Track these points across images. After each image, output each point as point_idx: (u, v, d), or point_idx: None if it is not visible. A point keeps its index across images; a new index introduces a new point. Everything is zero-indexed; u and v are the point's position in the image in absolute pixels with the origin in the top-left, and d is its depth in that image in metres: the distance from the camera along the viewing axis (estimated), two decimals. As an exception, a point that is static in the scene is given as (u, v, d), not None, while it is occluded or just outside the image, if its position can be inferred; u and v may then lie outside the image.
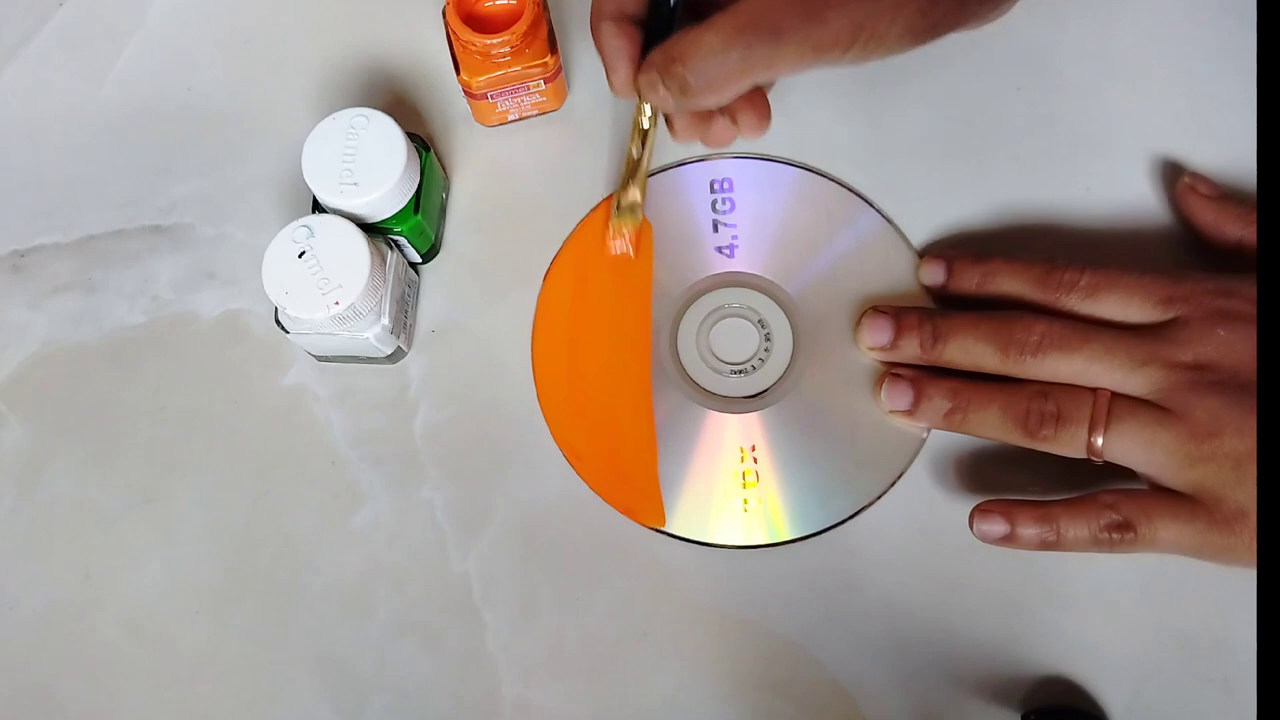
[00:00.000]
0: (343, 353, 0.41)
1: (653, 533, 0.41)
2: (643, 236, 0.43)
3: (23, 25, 0.48)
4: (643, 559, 0.40)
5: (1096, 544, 0.36)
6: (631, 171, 0.41)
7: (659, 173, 0.44)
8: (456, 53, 0.42)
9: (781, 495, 0.41)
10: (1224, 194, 0.42)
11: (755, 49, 0.32)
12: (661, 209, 0.44)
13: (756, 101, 0.38)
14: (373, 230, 0.40)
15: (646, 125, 0.40)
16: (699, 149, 0.43)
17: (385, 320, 0.40)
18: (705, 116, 0.39)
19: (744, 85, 0.34)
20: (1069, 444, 0.37)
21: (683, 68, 0.34)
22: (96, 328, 0.44)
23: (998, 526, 0.38)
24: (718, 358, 0.42)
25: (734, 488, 0.41)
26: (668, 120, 0.39)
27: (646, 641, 0.40)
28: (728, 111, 0.38)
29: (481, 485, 0.41)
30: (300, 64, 0.47)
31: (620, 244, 0.43)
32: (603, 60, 0.37)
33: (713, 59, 0.33)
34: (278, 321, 0.39)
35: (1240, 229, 0.41)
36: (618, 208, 0.42)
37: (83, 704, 0.40)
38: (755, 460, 0.41)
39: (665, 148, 0.43)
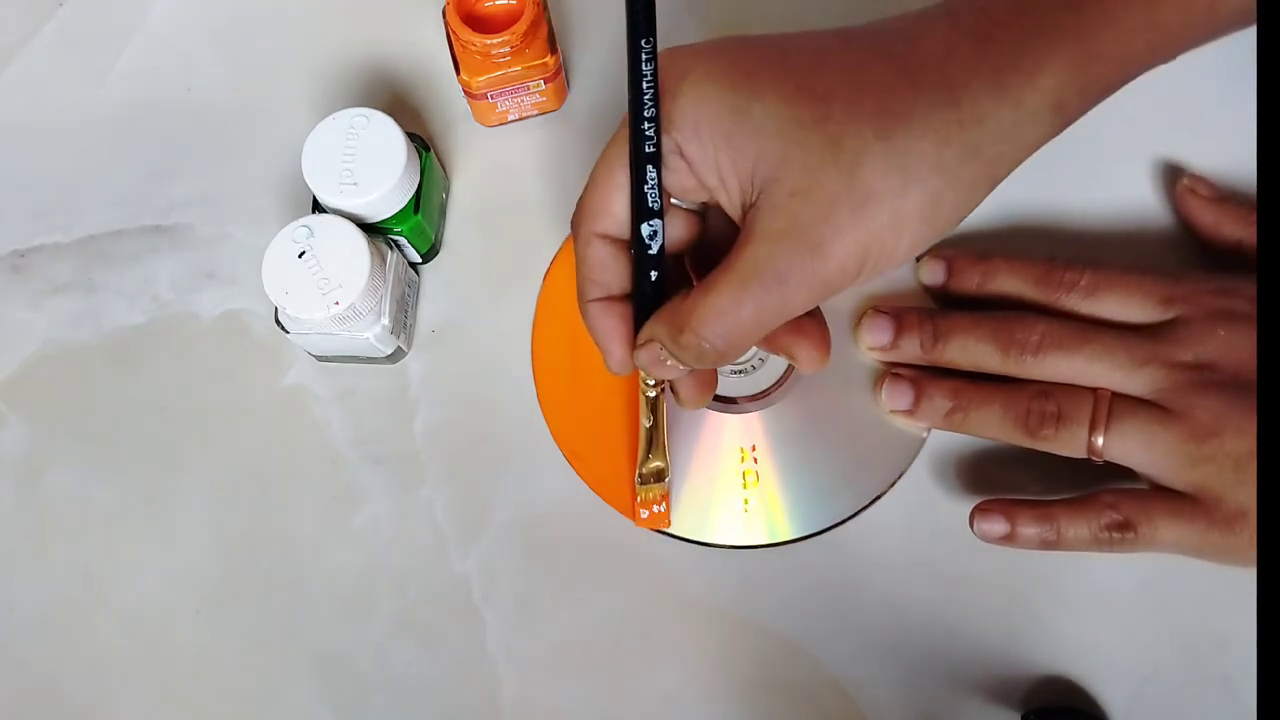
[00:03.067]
0: (343, 353, 0.41)
1: (653, 533, 0.41)
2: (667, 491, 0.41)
3: (23, 25, 0.48)
4: (643, 559, 0.40)
5: (1097, 543, 0.36)
6: (649, 443, 0.39)
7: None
8: (456, 53, 0.42)
9: (781, 495, 0.41)
10: (1224, 195, 0.42)
11: (763, 300, 0.30)
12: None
13: (807, 329, 0.34)
14: (373, 230, 0.40)
15: (653, 395, 0.38)
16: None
17: (385, 320, 0.40)
18: (712, 379, 0.37)
19: (760, 336, 0.32)
20: (1069, 444, 0.37)
21: (694, 336, 0.32)
22: (96, 328, 0.44)
23: (998, 525, 0.38)
24: (718, 358, 0.42)
25: (734, 488, 0.41)
26: (673, 389, 0.37)
27: (646, 641, 0.40)
28: (782, 350, 0.35)
29: (481, 485, 0.41)
30: (300, 64, 0.47)
31: (651, 512, 0.40)
32: (597, 343, 0.35)
33: (723, 320, 0.31)
34: (278, 321, 0.39)
35: (1240, 230, 0.41)
36: (641, 479, 0.40)
37: (83, 704, 0.40)
38: (755, 460, 0.41)
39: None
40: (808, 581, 0.40)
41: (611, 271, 0.34)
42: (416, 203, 0.41)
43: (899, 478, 0.41)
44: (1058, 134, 0.31)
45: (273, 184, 0.45)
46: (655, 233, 0.32)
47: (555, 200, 0.45)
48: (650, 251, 0.33)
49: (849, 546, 0.40)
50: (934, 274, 0.42)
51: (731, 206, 0.32)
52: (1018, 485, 0.40)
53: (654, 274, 0.33)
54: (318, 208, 0.40)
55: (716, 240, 0.34)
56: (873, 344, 0.41)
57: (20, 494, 0.42)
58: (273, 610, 0.41)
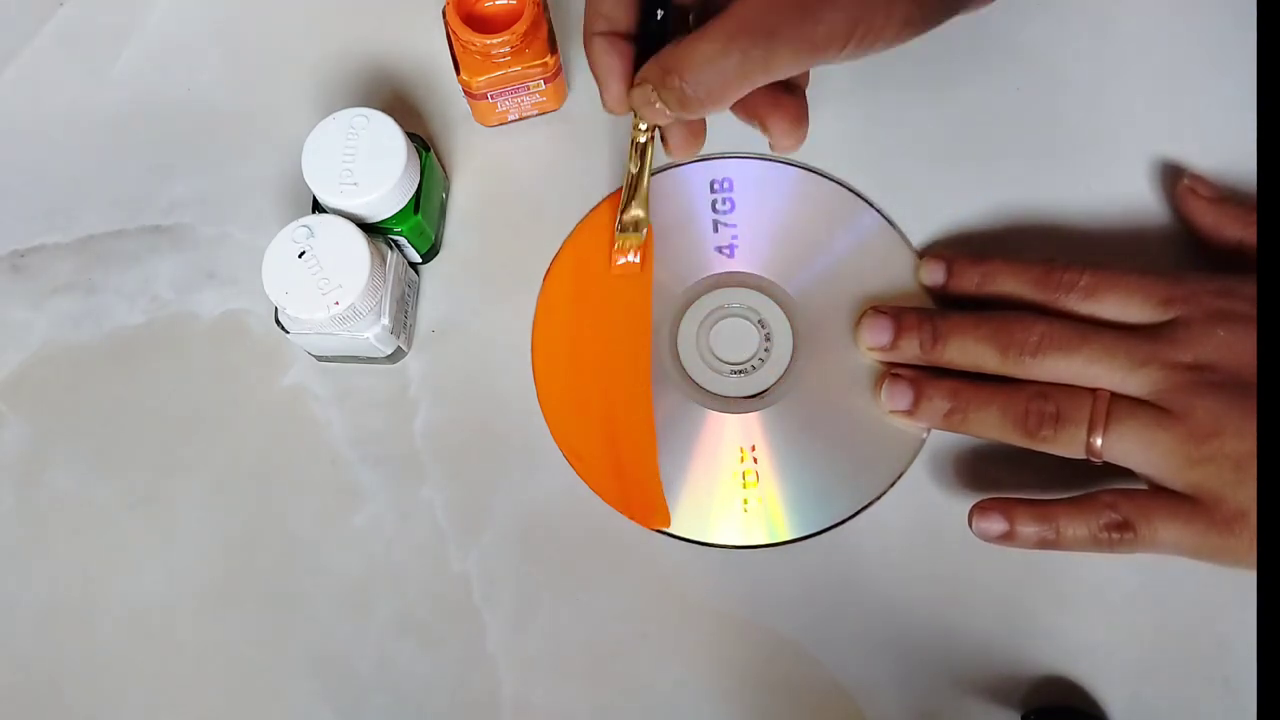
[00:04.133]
0: (343, 353, 0.41)
1: (653, 533, 0.41)
2: (645, 243, 0.43)
3: (23, 25, 0.48)
4: (643, 559, 0.40)
5: (1096, 543, 0.36)
6: (632, 188, 0.41)
7: (659, 173, 0.44)
8: (456, 53, 0.42)
9: (781, 495, 0.41)
10: (1224, 196, 0.42)
11: (751, 52, 0.32)
12: (661, 209, 0.44)
13: (786, 104, 0.36)
14: (373, 230, 0.40)
15: (643, 140, 0.39)
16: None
17: (385, 320, 0.40)
18: (700, 130, 0.38)
19: (742, 90, 0.34)
20: (1068, 444, 0.37)
21: (679, 78, 0.33)
22: (96, 328, 0.44)
23: (997, 524, 0.38)
24: (718, 358, 0.42)
25: (734, 488, 0.41)
26: (663, 136, 0.39)
27: (646, 641, 0.40)
28: (757, 119, 0.37)
29: (481, 485, 0.41)
30: (300, 64, 0.47)
31: (625, 259, 0.43)
32: (595, 78, 0.36)
33: (709, 66, 0.33)
34: (278, 321, 0.39)
35: (1240, 230, 0.41)
36: (621, 226, 0.42)
37: (83, 704, 0.40)
38: (755, 460, 0.41)
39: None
40: (808, 581, 0.40)
41: (619, 7, 0.35)
42: (416, 203, 0.41)
43: (899, 478, 0.41)
44: None
45: (273, 184, 0.45)
46: None
47: (555, 200, 0.45)
48: None
49: (849, 546, 0.40)
50: (934, 274, 0.42)
51: None
52: (1017, 486, 0.40)
53: (659, 12, 0.34)
54: (318, 208, 0.40)
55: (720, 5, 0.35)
56: (872, 344, 0.41)
57: (20, 494, 0.42)
58: (273, 610, 0.41)
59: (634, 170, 0.40)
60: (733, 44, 0.32)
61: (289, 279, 0.38)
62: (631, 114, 0.37)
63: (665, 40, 0.35)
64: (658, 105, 0.35)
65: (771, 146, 0.37)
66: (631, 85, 0.36)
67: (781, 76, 0.33)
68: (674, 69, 0.33)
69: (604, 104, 0.36)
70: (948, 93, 0.45)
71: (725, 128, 0.39)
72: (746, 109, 0.37)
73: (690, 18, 0.37)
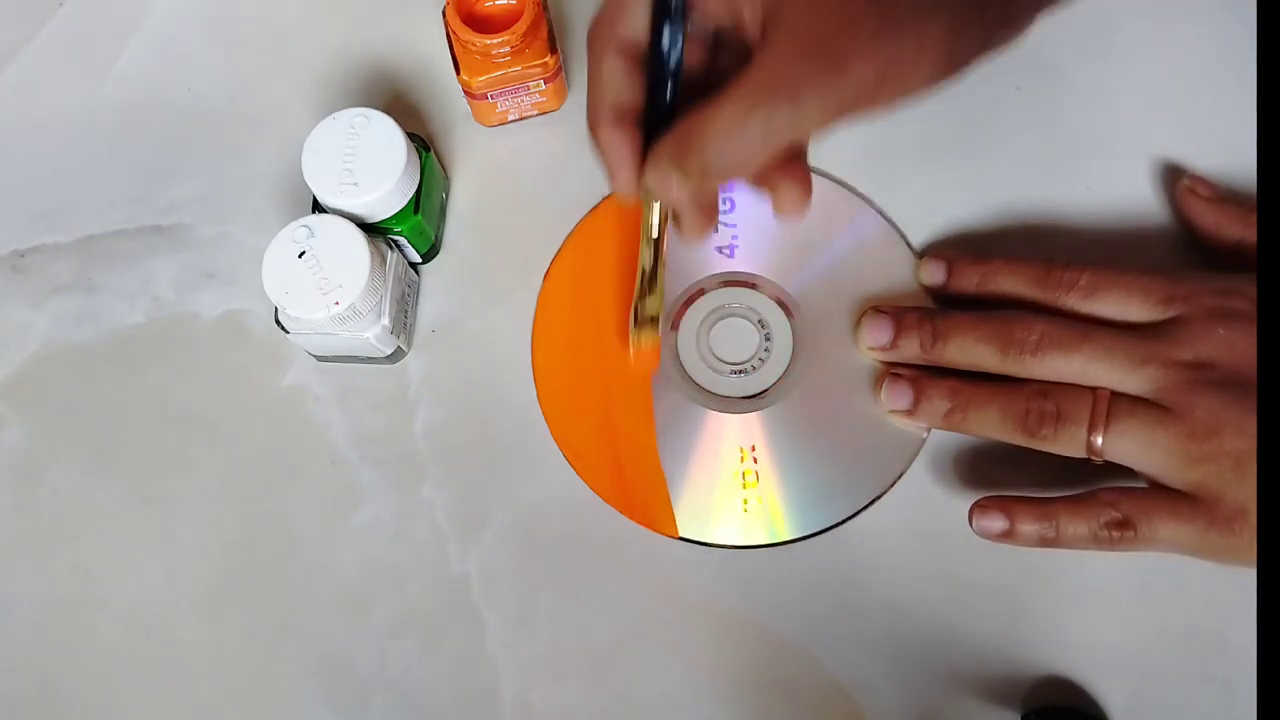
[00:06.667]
0: (343, 353, 0.41)
1: (653, 532, 0.41)
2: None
3: (23, 25, 0.48)
4: (642, 559, 0.40)
5: (1096, 542, 0.36)
6: (647, 284, 0.38)
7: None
8: (456, 53, 0.42)
9: (781, 495, 0.41)
10: (1224, 196, 0.42)
11: (776, 114, 0.30)
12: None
13: (794, 170, 0.34)
14: (373, 230, 0.40)
15: (656, 234, 0.37)
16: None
17: (385, 320, 0.40)
18: (714, 208, 0.37)
19: (769, 154, 0.31)
20: (1069, 443, 0.37)
21: (700, 150, 0.31)
22: (96, 328, 0.44)
23: (997, 523, 0.38)
24: (718, 358, 0.42)
25: (734, 488, 0.41)
26: (675, 220, 0.36)
27: (646, 641, 0.40)
28: (766, 185, 0.35)
29: (481, 485, 0.41)
30: (300, 64, 0.47)
31: (643, 359, 0.40)
32: (604, 164, 0.35)
33: (733, 133, 0.30)
34: (278, 321, 0.39)
35: (1240, 230, 0.41)
36: (636, 321, 0.39)
37: (83, 704, 0.40)
38: (755, 460, 0.41)
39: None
40: (808, 581, 0.40)
41: (625, 90, 0.34)
42: (416, 203, 0.41)
43: (899, 478, 0.41)
44: None
45: (273, 184, 0.45)
46: (675, 41, 0.32)
47: (555, 200, 0.45)
48: (667, 66, 0.32)
49: (849, 546, 0.40)
50: (934, 274, 0.42)
51: (753, 19, 0.31)
52: (1017, 485, 0.40)
53: (669, 91, 0.33)
54: (318, 208, 0.40)
55: (726, 74, 0.33)
56: (872, 344, 0.41)
57: (20, 494, 0.42)
58: (273, 610, 0.41)
59: (647, 265, 0.38)
60: (756, 107, 0.30)
61: (289, 279, 0.38)
62: (642, 207, 0.36)
63: (673, 118, 0.33)
64: (677, 182, 0.32)
65: (776, 212, 0.35)
66: (643, 167, 0.34)
67: (808, 136, 0.32)
68: (694, 139, 0.31)
69: (614, 189, 0.34)
70: (948, 92, 0.45)
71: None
72: (755, 175, 0.35)
73: (693, 98, 0.35)
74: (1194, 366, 0.36)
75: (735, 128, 0.30)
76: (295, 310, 0.38)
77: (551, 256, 0.44)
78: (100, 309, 0.44)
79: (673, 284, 0.43)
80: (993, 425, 0.38)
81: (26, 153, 0.47)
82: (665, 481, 0.41)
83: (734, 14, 0.32)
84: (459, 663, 0.40)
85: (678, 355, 0.42)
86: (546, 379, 0.43)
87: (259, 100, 0.47)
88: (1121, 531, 0.36)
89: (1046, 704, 0.38)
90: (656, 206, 0.36)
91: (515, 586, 0.40)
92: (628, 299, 0.40)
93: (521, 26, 0.40)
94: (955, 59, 0.30)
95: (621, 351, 0.42)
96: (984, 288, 0.41)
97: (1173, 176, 0.43)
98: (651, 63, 0.33)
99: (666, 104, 0.33)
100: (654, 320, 0.39)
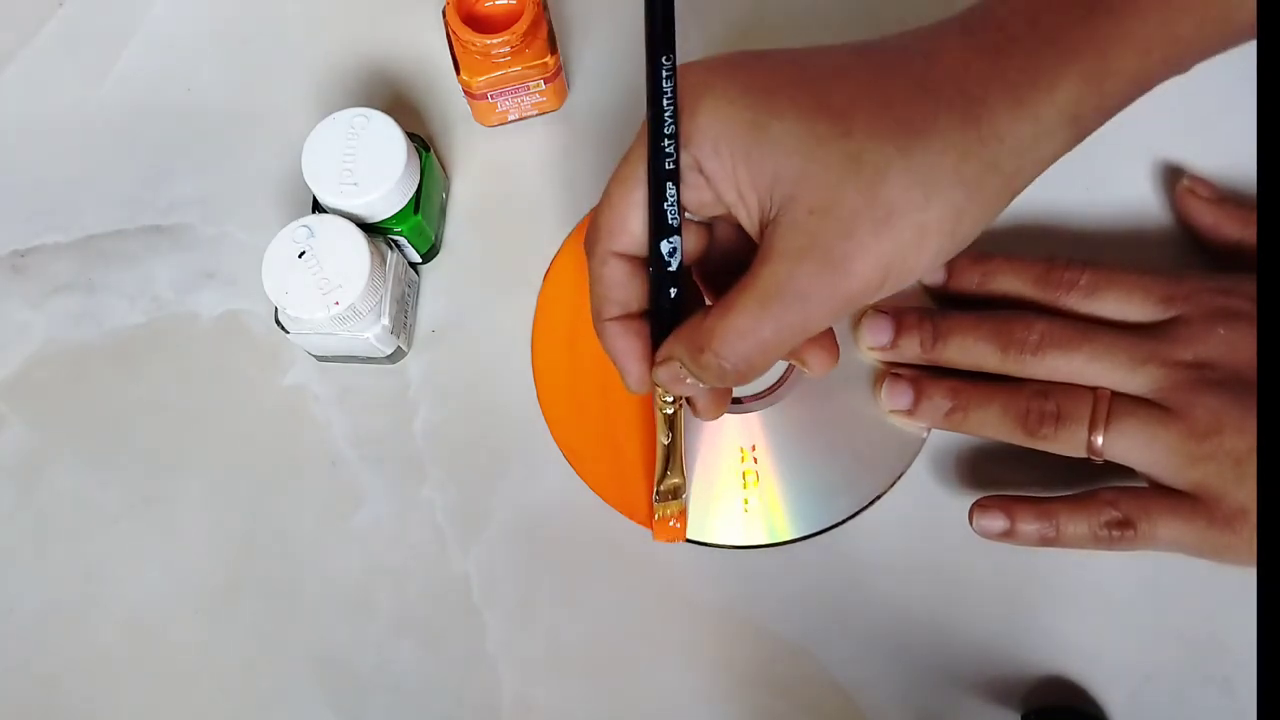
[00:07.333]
0: (343, 353, 0.41)
1: (653, 532, 0.41)
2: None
3: (23, 25, 0.48)
4: (642, 559, 0.40)
5: (1096, 541, 0.36)
6: (667, 459, 0.39)
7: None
8: (456, 53, 0.42)
9: (781, 495, 0.41)
10: (1223, 196, 0.42)
11: (785, 319, 0.30)
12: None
13: (820, 339, 0.34)
14: (373, 230, 0.40)
15: (671, 411, 0.37)
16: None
17: (385, 320, 0.40)
18: (728, 391, 0.37)
19: (780, 355, 0.32)
20: (1069, 443, 0.37)
21: (715, 356, 0.31)
22: (96, 328, 0.44)
23: (997, 522, 0.38)
24: (718, 358, 0.42)
25: (734, 488, 0.41)
26: (690, 403, 0.37)
27: (646, 641, 0.40)
28: (794, 356, 0.35)
29: (481, 485, 0.41)
30: (300, 64, 0.47)
31: (669, 532, 0.40)
32: (614, 362, 0.35)
33: (745, 339, 0.31)
34: (278, 321, 0.39)
35: (1240, 230, 0.41)
36: (658, 495, 0.39)
37: (83, 704, 0.40)
38: (755, 460, 0.41)
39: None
40: (808, 581, 0.40)
41: (628, 290, 0.34)
42: (416, 203, 0.41)
43: (899, 478, 0.41)
44: (1074, 146, 0.31)
45: (273, 184, 0.45)
46: (675, 250, 0.32)
47: (555, 200, 0.45)
48: (670, 269, 0.33)
49: (849, 546, 0.40)
50: (934, 274, 0.42)
51: (750, 223, 0.31)
52: (1018, 485, 0.40)
53: (673, 291, 0.33)
54: (318, 208, 0.40)
55: (725, 251, 0.34)
56: (872, 344, 0.41)
57: (20, 494, 0.42)
58: (273, 610, 0.41)
59: (665, 442, 0.38)
60: (766, 314, 0.30)
61: (289, 279, 0.38)
62: (655, 388, 0.36)
63: (679, 314, 0.33)
64: (689, 381, 0.33)
65: (808, 374, 0.36)
66: (653, 364, 0.34)
67: (818, 332, 0.32)
68: (707, 346, 0.31)
69: (627, 386, 0.35)
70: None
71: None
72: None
73: (693, 272, 0.35)
74: (1194, 366, 0.36)
75: (746, 333, 0.31)
76: (295, 310, 0.38)
77: (551, 256, 0.44)
78: (100, 309, 0.44)
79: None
80: (993, 425, 0.38)
81: (26, 153, 0.47)
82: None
83: (730, 214, 0.32)
84: (459, 663, 0.40)
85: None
86: (546, 379, 0.43)
87: (259, 100, 0.47)
88: (1121, 531, 0.36)
89: (1046, 704, 0.38)
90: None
91: (515, 586, 0.40)
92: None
93: (521, 26, 0.40)
94: (958, 239, 0.30)
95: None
96: (984, 287, 0.41)
97: (1173, 176, 0.43)
98: (653, 268, 0.33)
99: (671, 303, 0.33)
100: (676, 493, 0.39)
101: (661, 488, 0.39)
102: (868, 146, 0.29)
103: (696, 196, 0.32)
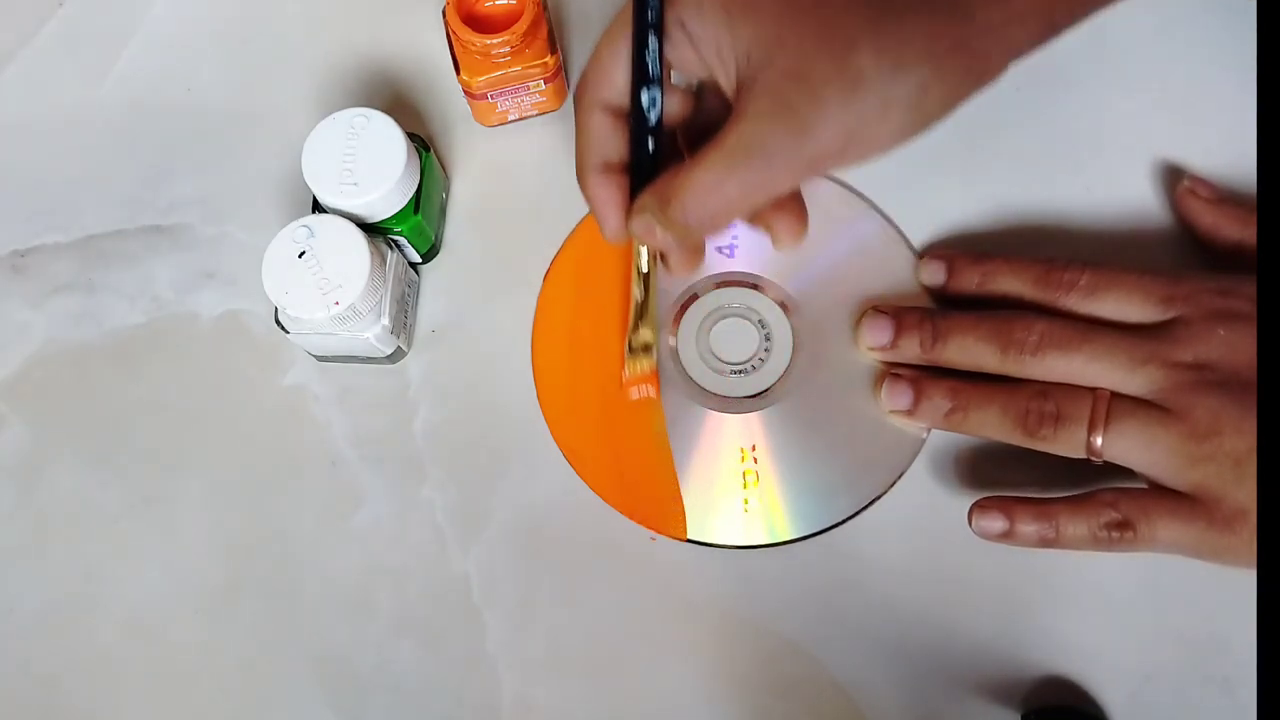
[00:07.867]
0: (343, 353, 0.41)
1: (652, 533, 0.41)
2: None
3: (23, 25, 0.48)
4: (642, 559, 0.40)
5: (1095, 542, 0.36)
6: (639, 314, 0.40)
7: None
8: (456, 53, 0.42)
9: (781, 495, 0.41)
10: (1223, 197, 0.42)
11: (749, 176, 0.32)
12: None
13: (788, 205, 0.36)
14: (373, 230, 0.40)
15: (645, 269, 0.39)
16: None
17: (385, 320, 0.40)
18: (700, 251, 0.38)
19: (744, 213, 0.34)
20: (1068, 444, 0.37)
21: (679, 208, 0.33)
22: (96, 328, 0.44)
23: (996, 523, 0.38)
24: (718, 358, 0.42)
25: (734, 488, 0.41)
26: (663, 258, 0.38)
27: (646, 641, 0.40)
28: (761, 223, 0.37)
29: (481, 485, 0.41)
30: (300, 64, 0.47)
31: (639, 390, 0.41)
32: (593, 211, 0.36)
33: (709, 194, 0.33)
34: (278, 321, 0.39)
35: (1239, 231, 0.41)
36: (630, 350, 0.41)
37: (83, 704, 0.40)
38: (755, 460, 0.41)
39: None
40: (808, 582, 0.40)
41: (610, 142, 0.35)
42: (416, 203, 0.41)
43: (899, 478, 0.41)
44: (1046, 42, 0.32)
45: (273, 184, 0.45)
46: (654, 101, 0.34)
47: (555, 200, 0.45)
48: (648, 122, 0.34)
49: (849, 546, 0.40)
50: (934, 274, 0.42)
51: (728, 84, 0.33)
52: (1017, 485, 0.40)
53: (650, 144, 0.35)
54: (318, 208, 0.40)
55: (709, 119, 0.36)
56: (872, 344, 0.41)
57: (20, 494, 0.42)
58: (273, 610, 0.41)
59: (639, 297, 0.40)
60: (731, 170, 0.32)
61: (289, 279, 0.38)
62: (631, 242, 0.37)
63: (657, 168, 0.35)
64: (660, 234, 0.35)
65: (774, 246, 0.37)
66: (629, 214, 0.35)
67: (781, 194, 0.34)
68: (673, 198, 0.33)
69: (604, 235, 0.36)
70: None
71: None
72: (748, 217, 0.37)
73: (678, 136, 0.37)
74: (1194, 367, 0.36)
75: (711, 188, 0.33)
76: (295, 310, 0.38)
77: (551, 256, 0.44)
78: (100, 309, 0.44)
79: (673, 285, 0.43)
80: (993, 425, 0.38)
81: (26, 153, 0.47)
82: (665, 481, 0.41)
83: (710, 74, 0.34)
84: (459, 663, 0.40)
85: (678, 355, 0.42)
86: (546, 379, 0.43)
87: (259, 100, 0.47)
88: (1121, 532, 0.36)
89: (1046, 704, 0.38)
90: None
91: (515, 586, 0.40)
92: (628, 300, 0.41)
93: (521, 26, 0.40)
94: (923, 116, 0.32)
95: (623, 355, 0.42)
96: (984, 288, 0.41)
97: (1173, 177, 0.43)
98: (633, 120, 0.35)
99: (649, 156, 0.35)
100: (647, 349, 0.41)
101: (634, 341, 0.40)
102: (842, 17, 0.31)
103: (679, 54, 0.34)
